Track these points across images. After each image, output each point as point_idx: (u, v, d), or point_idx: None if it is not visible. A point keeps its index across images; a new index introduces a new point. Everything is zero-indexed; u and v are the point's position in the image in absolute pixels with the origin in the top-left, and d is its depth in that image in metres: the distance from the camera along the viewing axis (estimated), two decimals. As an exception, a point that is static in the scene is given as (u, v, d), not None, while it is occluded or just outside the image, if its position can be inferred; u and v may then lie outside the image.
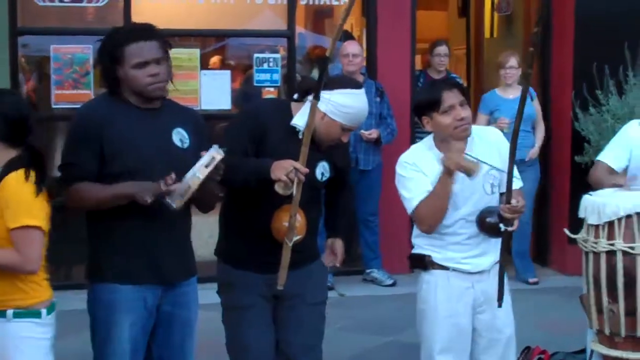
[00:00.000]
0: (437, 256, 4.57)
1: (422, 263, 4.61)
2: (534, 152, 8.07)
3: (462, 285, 4.56)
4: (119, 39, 3.94)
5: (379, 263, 7.87)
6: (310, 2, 8.10)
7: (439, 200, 4.41)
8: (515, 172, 4.58)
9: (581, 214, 4.59)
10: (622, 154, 5.07)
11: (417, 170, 4.48)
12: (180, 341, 4.22)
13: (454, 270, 4.55)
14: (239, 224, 4.37)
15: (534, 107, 8.13)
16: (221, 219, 4.49)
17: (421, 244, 4.63)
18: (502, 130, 7.53)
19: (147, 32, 3.96)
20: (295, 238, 4.10)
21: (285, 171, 3.98)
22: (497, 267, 4.61)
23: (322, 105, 4.17)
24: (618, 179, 5.03)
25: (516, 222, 4.42)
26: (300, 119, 4.23)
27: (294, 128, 4.25)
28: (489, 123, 7.80)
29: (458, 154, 4.34)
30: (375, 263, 7.88)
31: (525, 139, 7.77)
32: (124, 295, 3.98)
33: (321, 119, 4.20)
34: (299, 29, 8.18)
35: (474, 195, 4.49)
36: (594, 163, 5.31)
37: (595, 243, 4.50)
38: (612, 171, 5.08)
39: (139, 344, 4.07)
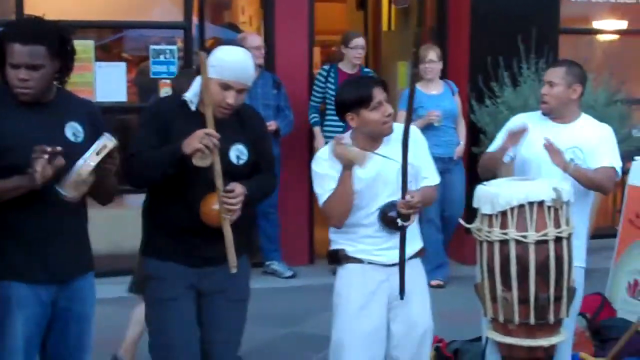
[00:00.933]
0: (350, 249, 4.60)
1: (337, 258, 4.65)
2: (459, 150, 7.92)
3: (377, 278, 4.58)
4: (5, 34, 3.84)
5: (278, 255, 7.87)
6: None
7: (342, 195, 4.45)
8: (433, 168, 4.69)
9: (475, 204, 4.68)
10: None
11: (331, 167, 4.50)
12: (77, 336, 4.13)
13: (369, 263, 4.57)
14: (163, 219, 4.28)
15: (455, 102, 7.98)
16: (144, 215, 4.39)
17: (337, 239, 4.66)
18: (432, 124, 7.63)
19: (28, 35, 3.81)
20: (233, 217, 4.03)
21: (197, 139, 3.94)
22: (414, 260, 4.67)
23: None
24: (505, 169, 5.12)
25: (412, 218, 4.47)
26: (189, 93, 4.21)
27: (196, 114, 4.16)
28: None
29: (341, 146, 4.39)
30: (275, 255, 7.86)
31: (450, 135, 7.78)
32: (16, 292, 3.89)
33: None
34: (196, 20, 8.10)
35: (386, 190, 4.52)
36: None
37: (489, 232, 4.59)
38: (500, 162, 5.16)
39: (33, 340, 3.98)
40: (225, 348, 4.40)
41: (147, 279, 4.36)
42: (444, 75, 8.31)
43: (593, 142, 5.04)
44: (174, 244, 4.22)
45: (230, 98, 4.11)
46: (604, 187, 5.05)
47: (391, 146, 4.53)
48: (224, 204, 4.03)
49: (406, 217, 4.43)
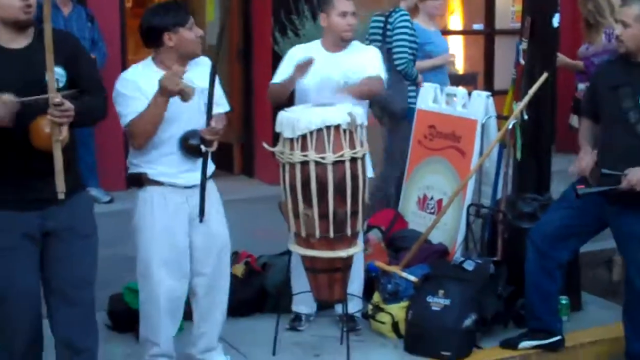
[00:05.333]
0: (152, 172, 4.58)
1: (139, 181, 4.62)
2: None
3: (177, 200, 4.61)
4: None
5: (96, 182, 7.81)
6: None
7: (151, 118, 4.41)
8: (222, 98, 4.72)
9: (277, 129, 4.77)
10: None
11: (136, 89, 4.45)
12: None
13: (170, 185, 4.59)
14: None
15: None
16: None
17: (138, 163, 4.62)
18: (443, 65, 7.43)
19: None
20: (62, 136, 3.75)
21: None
22: (209, 182, 4.71)
23: None
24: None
25: (215, 144, 4.51)
26: None
27: (6, 51, 3.88)
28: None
29: (176, 77, 4.33)
30: (93, 182, 7.80)
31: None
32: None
33: None
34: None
35: (187, 113, 4.52)
36: None
37: (291, 155, 4.69)
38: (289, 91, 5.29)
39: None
40: (81, 284, 4.14)
41: None
42: (248, 13, 8.33)
43: (365, 61, 5.32)
44: (7, 189, 3.92)
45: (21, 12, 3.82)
46: (374, 92, 5.30)
47: (195, 72, 4.54)
48: (55, 120, 3.72)
49: (210, 144, 4.48)
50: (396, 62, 6.86)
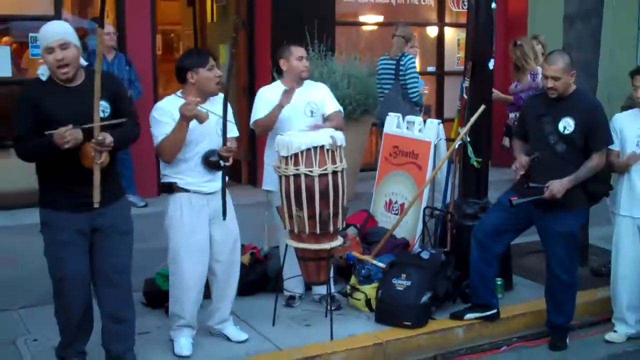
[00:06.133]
0: (180, 182, 4.58)
1: (170, 188, 4.62)
2: None
3: (200, 203, 4.60)
4: None
5: (134, 190, 7.75)
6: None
7: (176, 139, 4.42)
8: (234, 126, 4.71)
9: (275, 149, 4.77)
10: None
11: (167, 115, 4.46)
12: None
13: (194, 192, 4.58)
14: (51, 175, 4.00)
15: None
16: (38, 171, 4.08)
17: (169, 174, 4.62)
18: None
19: None
20: (101, 160, 3.89)
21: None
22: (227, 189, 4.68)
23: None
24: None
25: (230, 160, 4.51)
26: (41, 69, 3.98)
27: (51, 82, 3.95)
28: None
29: (191, 105, 4.34)
30: (131, 190, 7.73)
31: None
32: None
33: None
34: (65, 13, 7.78)
35: (208, 137, 4.54)
36: None
37: (286, 169, 4.69)
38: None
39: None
40: (118, 270, 4.19)
41: (43, 224, 4.08)
42: (252, 57, 8.30)
43: (322, 95, 5.32)
44: (65, 195, 3.98)
45: (51, 57, 3.88)
46: (340, 125, 5.21)
47: (212, 104, 4.55)
48: (97, 149, 3.87)
49: (226, 159, 4.48)
50: (411, 95, 7.24)
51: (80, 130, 3.82)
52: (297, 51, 5.34)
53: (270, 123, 5.21)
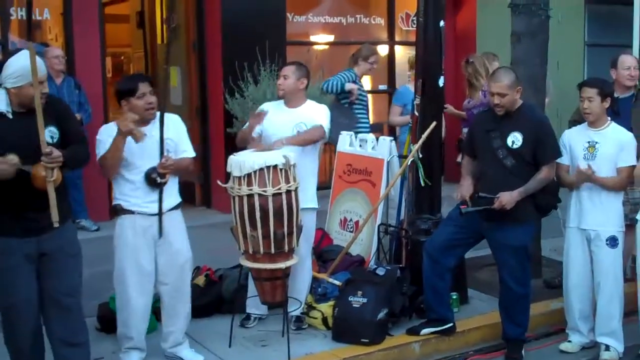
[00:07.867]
0: (125, 203, 4.63)
1: (115, 211, 4.67)
2: None
3: (144, 224, 4.63)
4: None
5: (85, 214, 7.68)
6: (20, 17, 7.69)
7: (113, 154, 4.46)
8: (189, 145, 4.79)
9: (228, 169, 4.78)
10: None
11: (107, 135, 4.51)
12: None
13: (139, 213, 4.61)
14: (1, 199, 3.95)
15: None
16: None
17: (116, 196, 4.68)
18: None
19: None
20: (54, 177, 3.85)
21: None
22: (175, 211, 4.75)
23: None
24: (253, 142, 5.27)
25: (168, 176, 4.58)
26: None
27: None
28: (402, 113, 7.45)
29: (126, 120, 4.39)
30: (83, 214, 7.67)
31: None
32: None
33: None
34: (13, 37, 7.71)
35: (149, 158, 4.57)
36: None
37: (239, 189, 4.70)
38: (250, 137, 5.30)
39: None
40: (69, 292, 4.16)
41: None
42: (204, 78, 8.30)
43: (313, 116, 5.31)
44: (14, 219, 3.95)
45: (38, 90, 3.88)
46: (313, 139, 5.28)
47: (154, 125, 4.59)
48: (47, 165, 3.83)
49: (162, 176, 4.54)
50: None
51: (19, 162, 3.81)
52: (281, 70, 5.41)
53: (245, 138, 5.28)
